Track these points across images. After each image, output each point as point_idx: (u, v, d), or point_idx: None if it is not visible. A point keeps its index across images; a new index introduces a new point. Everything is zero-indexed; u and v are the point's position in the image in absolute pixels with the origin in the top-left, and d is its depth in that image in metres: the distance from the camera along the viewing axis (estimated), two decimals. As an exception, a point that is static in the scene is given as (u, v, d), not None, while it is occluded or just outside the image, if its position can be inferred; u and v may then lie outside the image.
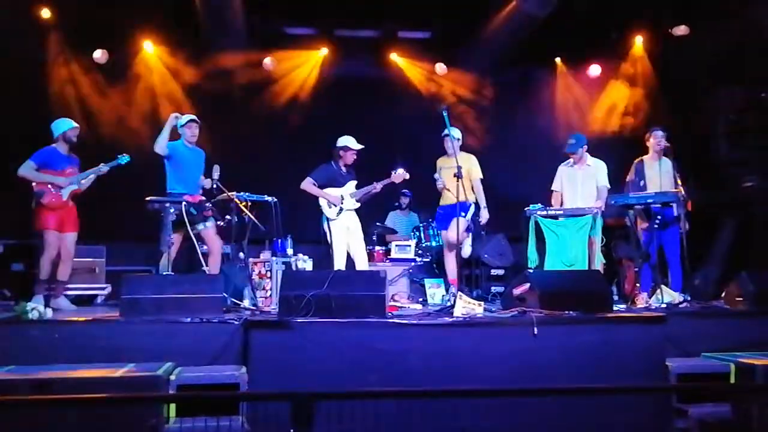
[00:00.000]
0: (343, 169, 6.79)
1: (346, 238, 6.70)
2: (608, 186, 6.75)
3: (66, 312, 5.75)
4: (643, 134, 6.96)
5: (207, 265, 6.18)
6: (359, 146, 6.75)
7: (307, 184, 6.73)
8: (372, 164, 7.01)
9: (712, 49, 8.33)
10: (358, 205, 6.77)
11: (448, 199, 6.75)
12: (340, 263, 6.62)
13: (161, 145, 6.14)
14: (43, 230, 5.94)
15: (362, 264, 6.71)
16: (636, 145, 7.19)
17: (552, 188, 6.96)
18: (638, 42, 9.05)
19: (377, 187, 6.73)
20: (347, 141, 6.74)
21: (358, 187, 6.78)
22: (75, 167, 6.17)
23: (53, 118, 6.23)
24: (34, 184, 5.95)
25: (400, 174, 6.74)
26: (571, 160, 6.84)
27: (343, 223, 6.70)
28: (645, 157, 6.84)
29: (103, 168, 6.19)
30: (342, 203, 6.68)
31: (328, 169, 6.79)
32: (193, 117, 6.43)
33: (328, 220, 6.70)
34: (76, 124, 6.19)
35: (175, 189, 6.19)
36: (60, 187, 6.01)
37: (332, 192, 6.72)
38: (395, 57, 9.18)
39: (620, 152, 7.93)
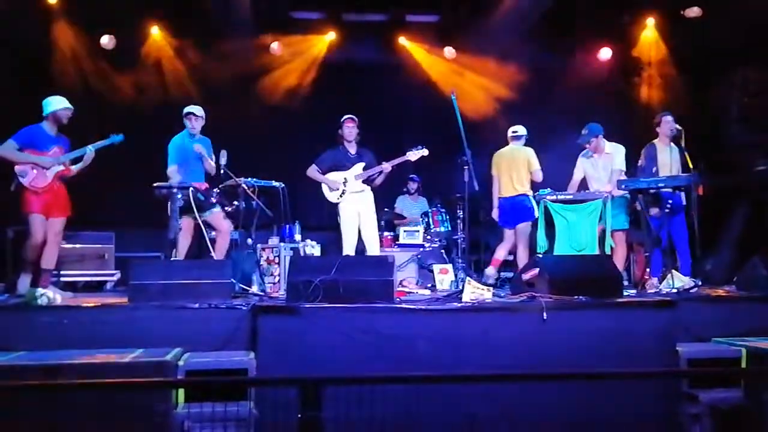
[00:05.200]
0: (351, 151, 6.76)
1: (356, 222, 6.68)
2: (623, 169, 6.69)
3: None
4: (654, 119, 6.89)
5: (214, 250, 6.16)
6: (348, 116, 6.72)
7: (311, 171, 6.78)
8: (380, 149, 6.98)
9: (725, 31, 8.21)
10: (364, 187, 6.73)
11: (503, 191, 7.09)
12: (348, 248, 6.61)
13: (173, 174, 6.18)
14: (28, 213, 5.66)
15: (373, 249, 6.70)
16: (648, 129, 7.12)
17: (573, 178, 6.91)
18: (650, 24, 8.93)
19: (385, 166, 6.68)
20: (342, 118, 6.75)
21: (365, 169, 6.75)
22: (62, 148, 5.87)
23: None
24: (16, 165, 5.65)
25: (417, 152, 6.72)
26: (588, 150, 6.81)
27: (352, 207, 6.68)
28: (656, 141, 6.79)
29: (90, 149, 5.88)
30: (345, 185, 6.66)
31: (333, 153, 6.78)
32: (192, 110, 6.35)
33: (336, 204, 6.70)
34: (68, 105, 5.88)
35: (180, 180, 6.18)
36: (44, 167, 5.69)
37: (335, 176, 6.71)
38: (403, 41, 9.11)
39: (633, 136, 7.87)
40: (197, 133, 6.38)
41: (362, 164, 6.73)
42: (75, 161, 5.97)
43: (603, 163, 6.78)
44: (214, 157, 6.32)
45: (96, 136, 6.08)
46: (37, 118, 5.90)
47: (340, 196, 6.68)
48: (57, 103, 5.85)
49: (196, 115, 6.33)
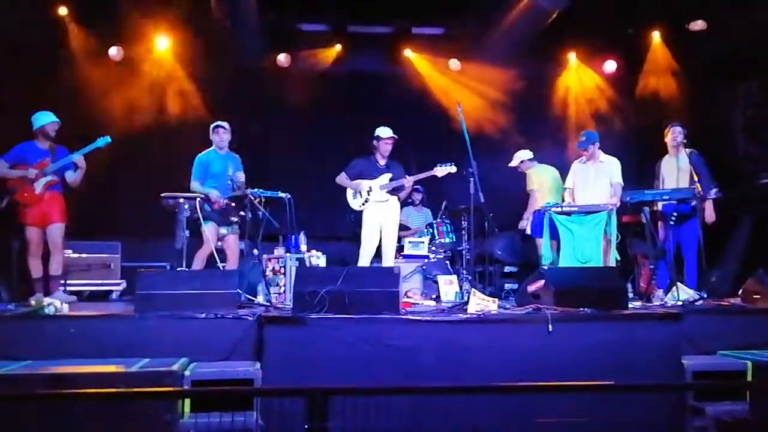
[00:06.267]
0: (381, 161, 6.85)
1: (376, 232, 6.76)
2: (622, 183, 6.72)
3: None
4: (660, 130, 6.91)
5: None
6: (389, 134, 6.81)
7: (340, 178, 6.89)
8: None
9: (729, 44, 8.24)
10: (388, 197, 6.81)
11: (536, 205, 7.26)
12: (365, 257, 6.70)
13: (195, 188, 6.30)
14: (22, 225, 5.97)
15: (388, 259, 6.77)
16: (652, 142, 7.13)
17: (565, 185, 6.97)
18: (655, 37, 8.96)
19: (408, 179, 6.77)
20: (378, 131, 6.85)
21: (392, 181, 6.81)
22: (50, 160, 6.06)
23: (69, 113, 6.25)
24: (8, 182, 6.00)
25: (444, 168, 6.75)
26: (584, 156, 6.84)
27: (374, 217, 6.76)
28: (665, 156, 6.82)
29: (76, 156, 6.07)
30: (369, 194, 6.73)
31: (362, 162, 6.89)
32: (219, 123, 6.49)
33: (360, 212, 6.79)
34: (55, 119, 6.13)
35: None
36: (32, 180, 5.95)
37: (361, 183, 6.79)
38: (409, 53, 9.15)
39: (635, 149, 7.90)
40: (225, 146, 6.47)
41: (389, 175, 6.82)
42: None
43: (595, 171, 6.81)
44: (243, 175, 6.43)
45: (105, 149, 6.22)
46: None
47: (363, 203, 6.77)
48: (44, 118, 6.12)
49: (225, 128, 6.46)
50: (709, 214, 6.60)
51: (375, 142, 6.85)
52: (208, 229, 6.16)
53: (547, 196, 7.24)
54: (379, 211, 6.78)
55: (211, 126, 6.51)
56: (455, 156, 6.68)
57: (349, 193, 6.84)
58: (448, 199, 8.12)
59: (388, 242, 6.80)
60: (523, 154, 7.60)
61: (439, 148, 7.35)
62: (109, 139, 6.16)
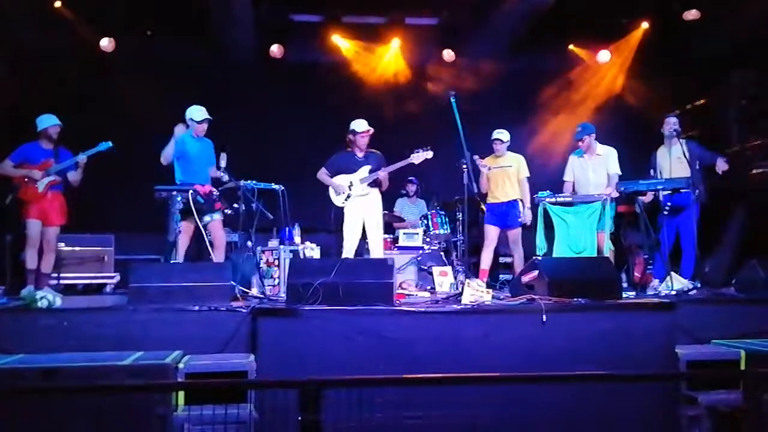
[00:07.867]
0: (359, 154, 6.69)
1: (359, 227, 6.67)
2: (619, 173, 6.70)
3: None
4: (655, 121, 6.91)
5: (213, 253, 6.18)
6: (365, 128, 6.62)
7: (320, 174, 6.77)
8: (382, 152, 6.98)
9: (723, 34, 8.24)
10: (369, 190, 6.67)
11: (494, 198, 7.03)
12: (347, 252, 6.61)
13: (167, 156, 6.27)
14: (25, 220, 6.16)
15: (377, 252, 6.69)
16: (647, 132, 7.13)
17: (564, 179, 6.91)
18: (649, 27, 8.94)
19: (383, 171, 6.61)
20: (353, 124, 6.67)
21: (371, 173, 6.71)
22: (53, 160, 6.26)
23: (62, 105, 6.31)
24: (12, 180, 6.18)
25: (421, 154, 6.59)
26: (582, 150, 6.81)
27: (356, 212, 6.66)
28: (660, 147, 6.82)
29: (81, 157, 6.27)
30: (350, 189, 6.64)
31: (341, 156, 6.74)
32: (189, 115, 6.33)
33: (341, 208, 6.70)
34: (58, 122, 6.32)
35: (184, 181, 6.20)
36: (35, 179, 6.15)
37: (341, 179, 6.68)
38: (397, 43, 9.10)
39: (631, 139, 7.89)
40: (200, 134, 6.39)
41: (368, 167, 6.66)
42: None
43: (593, 165, 6.77)
44: (215, 160, 6.33)
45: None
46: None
47: (346, 199, 6.66)
48: (46, 121, 6.31)
49: (194, 120, 6.33)
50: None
51: (351, 136, 6.64)
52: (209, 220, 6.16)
53: (514, 184, 7.00)
54: (361, 206, 6.66)
55: (200, 117, 6.30)
56: (450, 146, 6.63)
57: (332, 190, 6.73)
58: (437, 191, 8.12)
59: (373, 236, 6.69)
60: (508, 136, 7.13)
61: (435, 139, 7.32)
62: (111, 144, 6.30)
